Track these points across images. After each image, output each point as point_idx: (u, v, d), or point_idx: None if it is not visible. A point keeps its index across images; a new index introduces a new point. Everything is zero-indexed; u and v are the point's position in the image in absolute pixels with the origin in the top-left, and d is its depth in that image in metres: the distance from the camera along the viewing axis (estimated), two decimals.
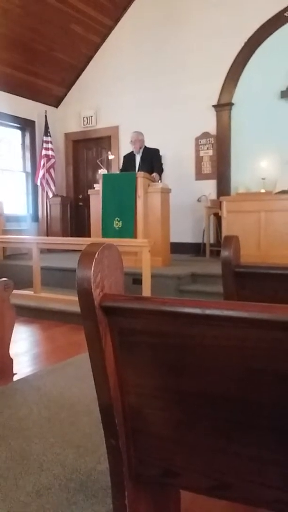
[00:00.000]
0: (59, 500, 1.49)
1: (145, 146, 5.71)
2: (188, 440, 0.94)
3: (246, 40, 6.37)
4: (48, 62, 7.37)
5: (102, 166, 6.29)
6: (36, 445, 1.85)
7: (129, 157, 5.82)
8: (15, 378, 2.76)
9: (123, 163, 5.97)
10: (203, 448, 0.93)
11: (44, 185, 7.71)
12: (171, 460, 0.98)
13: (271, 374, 0.80)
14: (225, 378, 0.85)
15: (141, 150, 5.69)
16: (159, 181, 5.46)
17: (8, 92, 7.33)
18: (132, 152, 5.77)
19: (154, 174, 5.42)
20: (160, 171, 5.64)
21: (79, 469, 1.67)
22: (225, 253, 1.61)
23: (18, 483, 1.59)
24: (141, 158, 5.68)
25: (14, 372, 2.81)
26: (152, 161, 5.61)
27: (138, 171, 5.51)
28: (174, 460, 0.98)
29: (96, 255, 0.88)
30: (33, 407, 2.23)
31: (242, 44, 6.39)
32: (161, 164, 5.71)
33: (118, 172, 6.66)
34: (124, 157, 5.96)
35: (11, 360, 2.81)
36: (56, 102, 8.22)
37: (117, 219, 5.19)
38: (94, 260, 0.87)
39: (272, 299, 1.55)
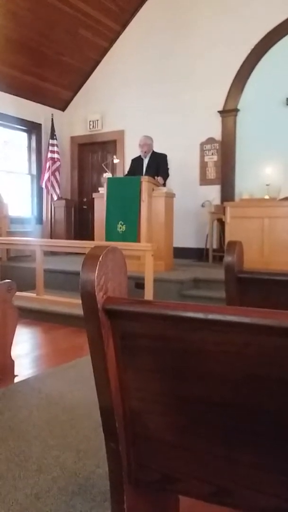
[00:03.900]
0: (57, 503, 1.49)
1: (153, 151, 5.73)
2: (188, 445, 0.94)
3: (252, 47, 6.39)
4: (56, 66, 7.42)
5: (107, 170, 6.30)
6: (35, 448, 1.85)
7: (137, 161, 5.82)
8: (16, 380, 2.75)
9: (130, 166, 5.97)
10: (203, 454, 0.93)
11: (49, 187, 7.74)
12: (171, 466, 0.98)
13: (273, 380, 0.80)
14: (227, 384, 0.85)
15: (149, 155, 5.70)
16: (163, 185, 5.47)
17: (15, 95, 7.38)
18: (140, 156, 5.78)
19: (158, 178, 5.43)
20: (165, 175, 5.65)
21: (78, 472, 1.67)
22: (228, 258, 1.61)
23: (17, 485, 1.59)
24: (148, 162, 5.69)
25: (15, 374, 2.81)
26: (158, 165, 5.62)
27: (144, 175, 5.52)
28: (174, 465, 0.97)
29: (100, 258, 0.88)
30: (33, 409, 2.23)
31: (249, 51, 6.42)
32: (167, 169, 5.72)
33: (123, 175, 6.68)
34: (132, 160, 5.96)
35: (12, 362, 2.81)
36: (62, 105, 8.27)
37: (120, 223, 5.19)
38: (98, 263, 0.88)
39: (275, 305, 1.55)
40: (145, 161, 5.72)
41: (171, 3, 7.05)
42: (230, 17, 6.52)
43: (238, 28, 6.46)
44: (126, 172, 5.82)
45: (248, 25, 6.38)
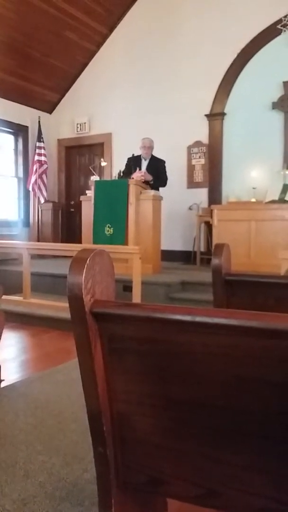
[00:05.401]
0: (45, 508, 1.47)
1: (152, 155, 5.75)
2: (176, 447, 0.94)
3: (239, 51, 6.45)
4: (43, 68, 7.39)
5: (94, 173, 6.30)
6: (22, 453, 1.83)
7: (135, 160, 5.72)
8: (3, 384, 2.72)
9: (127, 164, 5.79)
10: (191, 456, 0.93)
11: (36, 190, 7.69)
12: (159, 468, 0.97)
13: (260, 382, 0.80)
14: (214, 386, 0.86)
15: (149, 158, 5.72)
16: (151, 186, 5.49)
17: (1, 97, 7.33)
18: (139, 156, 5.74)
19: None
20: (163, 184, 5.66)
21: (66, 477, 1.66)
22: (215, 261, 1.61)
23: (4, 490, 1.57)
24: (147, 164, 5.68)
25: (2, 378, 2.78)
26: (157, 170, 5.60)
27: None
28: (162, 468, 0.97)
29: (87, 261, 0.88)
30: (20, 414, 2.21)
31: (235, 55, 6.48)
32: (166, 178, 5.70)
33: (110, 177, 6.66)
34: (129, 159, 5.80)
35: None
36: (50, 108, 8.24)
37: (108, 226, 5.19)
38: (86, 266, 0.87)
39: (262, 307, 1.56)
40: (145, 163, 5.71)
41: (158, 7, 7.08)
42: (217, 21, 6.58)
43: (225, 31, 6.52)
44: (116, 174, 5.74)
45: (235, 28, 6.44)
